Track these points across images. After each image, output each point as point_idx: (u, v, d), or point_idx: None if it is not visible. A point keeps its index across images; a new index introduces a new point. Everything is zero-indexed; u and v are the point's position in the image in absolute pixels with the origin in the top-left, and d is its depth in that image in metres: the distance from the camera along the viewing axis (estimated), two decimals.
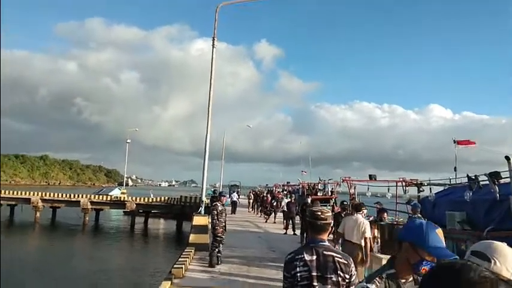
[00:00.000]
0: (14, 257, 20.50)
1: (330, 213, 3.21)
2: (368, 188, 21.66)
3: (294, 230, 17.99)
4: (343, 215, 11.25)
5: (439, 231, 2.01)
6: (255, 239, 16.13)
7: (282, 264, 10.52)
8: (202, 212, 14.70)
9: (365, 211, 8.17)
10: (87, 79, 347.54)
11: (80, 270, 19.75)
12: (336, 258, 2.96)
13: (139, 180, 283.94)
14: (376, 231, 9.38)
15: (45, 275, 18.38)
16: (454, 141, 18.95)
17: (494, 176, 11.62)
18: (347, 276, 2.94)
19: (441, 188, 17.36)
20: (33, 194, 40.74)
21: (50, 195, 41.38)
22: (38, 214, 39.40)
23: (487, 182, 12.50)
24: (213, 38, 14.68)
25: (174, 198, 41.14)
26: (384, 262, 6.91)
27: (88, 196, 41.40)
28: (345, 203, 12.75)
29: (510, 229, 10.88)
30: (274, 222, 22.71)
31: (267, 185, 56.03)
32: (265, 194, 31.20)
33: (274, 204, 24.29)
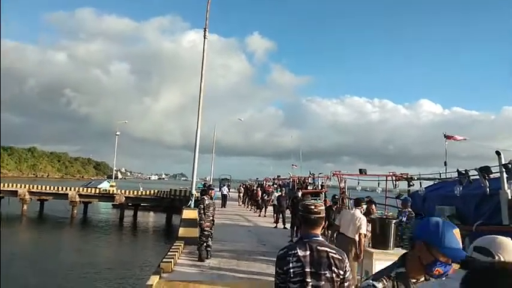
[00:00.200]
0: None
1: (323, 207, 3.10)
2: (358, 182, 21.71)
3: (284, 224, 17.94)
4: (334, 208, 11.21)
5: (457, 232, 1.88)
6: (245, 233, 16.04)
7: (272, 258, 10.36)
8: (192, 205, 14.56)
9: (364, 206, 8.11)
10: (76, 70, 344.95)
11: (67, 263, 19.53)
12: (330, 254, 2.85)
13: (129, 173, 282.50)
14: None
15: (33, 268, 18.13)
16: (445, 136, 19.07)
17: (484, 170, 11.66)
18: (341, 272, 2.83)
19: (431, 183, 17.45)
20: (21, 187, 40.31)
21: (37, 188, 40.99)
22: (25, 207, 39.01)
23: (477, 177, 12.57)
24: (205, 29, 14.48)
25: (164, 192, 40.98)
26: (375, 257, 6.82)
27: (76, 189, 41.08)
28: (336, 197, 12.70)
29: (499, 224, 10.95)
30: (265, 216, 22.66)
31: (257, 178, 55.96)
32: (255, 188, 31.11)
33: (265, 197, 24.22)
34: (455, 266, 1.84)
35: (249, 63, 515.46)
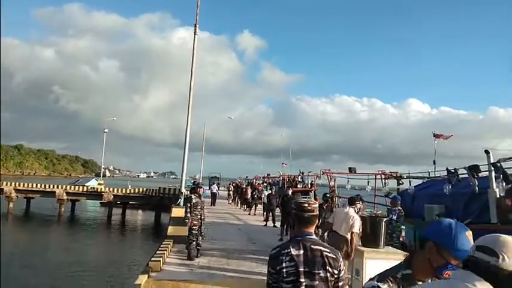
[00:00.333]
0: None
1: (317, 205, 3.04)
2: (348, 181, 21.75)
3: (274, 222, 17.89)
4: (325, 207, 11.17)
5: (469, 234, 1.80)
6: (235, 231, 15.96)
7: (263, 257, 10.29)
8: (182, 203, 14.43)
9: (358, 205, 8.09)
10: (64, 66, 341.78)
11: (55, 262, 19.29)
12: (324, 253, 2.78)
13: (117, 171, 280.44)
14: None
15: (19, 267, 17.84)
16: (434, 135, 19.21)
17: (473, 169, 11.72)
18: (336, 272, 2.77)
19: (420, 181, 17.53)
20: (7, 184, 39.67)
21: (24, 186, 40.41)
22: (11, 205, 38.44)
23: (466, 176, 12.64)
24: (195, 24, 14.30)
25: (153, 190, 40.71)
26: (366, 255, 6.78)
27: (64, 187, 40.59)
28: (328, 195, 12.68)
29: (488, 222, 11.02)
30: (254, 214, 22.61)
31: (247, 177, 55.93)
32: (244, 186, 31.03)
33: (255, 196, 24.16)
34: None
35: (240, 61, 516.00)
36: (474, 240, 1.83)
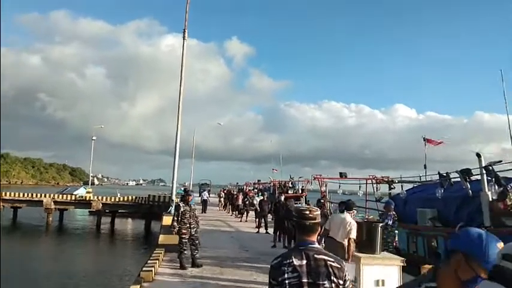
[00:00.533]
0: None
1: (319, 212, 2.91)
2: (339, 186, 21.72)
3: (266, 229, 17.72)
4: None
5: (501, 245, 1.66)
6: (227, 239, 15.76)
7: (256, 265, 10.10)
8: (172, 211, 14.19)
9: (355, 211, 7.98)
10: (51, 74, 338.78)
11: (43, 272, 18.89)
12: (328, 262, 2.65)
13: (106, 179, 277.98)
14: None
15: (6, 278, 17.37)
16: (424, 139, 19.29)
17: (465, 173, 11.77)
18: (341, 282, 2.64)
19: (411, 186, 17.57)
20: None
21: (10, 195, 39.66)
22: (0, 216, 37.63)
23: (458, 179, 12.68)
24: (184, 30, 14.17)
25: (142, 198, 40.31)
26: (363, 261, 6.66)
27: (51, 195, 39.97)
28: (322, 201, 12.59)
29: (481, 225, 11.02)
30: (246, 221, 22.41)
31: (237, 183, 55.73)
32: (235, 193, 30.84)
33: (247, 202, 23.97)
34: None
35: (228, 67, 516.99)
36: None
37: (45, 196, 39.42)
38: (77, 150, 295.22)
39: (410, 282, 1.80)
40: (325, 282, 2.60)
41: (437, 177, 14.46)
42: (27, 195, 39.88)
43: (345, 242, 7.04)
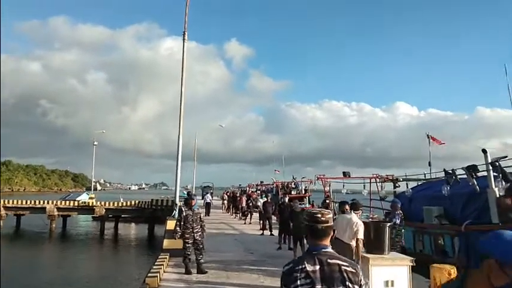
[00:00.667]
0: None
1: (331, 215, 2.77)
2: (343, 185, 21.58)
3: (271, 231, 17.59)
4: None
5: None
6: (232, 242, 15.64)
7: (262, 267, 9.95)
8: (176, 215, 14.08)
9: (360, 211, 7.82)
10: (52, 80, 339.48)
11: (46, 279, 18.73)
12: (342, 267, 2.52)
13: (108, 184, 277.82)
14: None
15: (10, 286, 17.28)
16: (428, 137, 19.13)
17: (472, 169, 11.61)
18: (356, 287, 2.51)
19: (415, 184, 17.41)
20: None
21: (13, 203, 39.58)
22: (0, 223, 37.55)
23: (464, 176, 12.53)
24: (184, 32, 14.04)
25: (145, 202, 40.20)
26: (372, 262, 6.51)
27: (54, 202, 39.87)
28: (327, 201, 12.45)
29: (489, 222, 10.87)
30: (250, 223, 22.26)
31: (240, 185, 55.62)
32: (238, 195, 30.72)
33: (250, 204, 23.83)
34: None
35: (228, 69, 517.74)
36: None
37: (48, 203, 39.31)
38: (79, 156, 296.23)
39: None
40: (340, 287, 2.48)
41: (442, 174, 14.31)
42: (30, 203, 39.75)
43: (352, 243, 6.90)
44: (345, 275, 2.50)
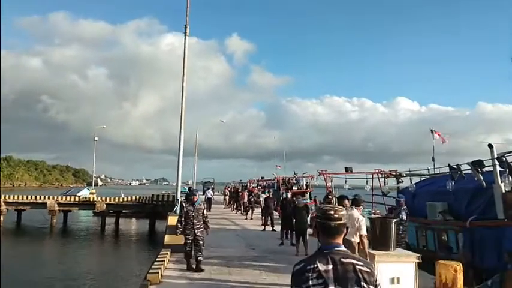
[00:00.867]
0: None
1: (344, 212, 2.60)
2: (346, 181, 21.42)
3: (272, 226, 17.47)
4: None
5: None
6: (233, 237, 15.53)
7: (265, 263, 9.78)
8: (178, 210, 13.95)
9: (361, 207, 7.64)
10: (52, 76, 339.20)
11: (47, 274, 18.67)
12: (357, 267, 2.37)
13: (109, 180, 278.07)
14: None
15: (11, 281, 17.19)
16: (432, 131, 18.90)
17: (477, 164, 11.43)
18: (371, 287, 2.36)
19: (418, 179, 17.22)
20: None
21: (14, 198, 39.55)
22: (1, 218, 37.50)
23: (468, 171, 12.35)
24: (185, 25, 13.82)
25: (146, 197, 40.12)
26: (378, 259, 6.34)
27: (55, 197, 39.80)
28: (329, 197, 12.31)
29: (495, 218, 10.70)
30: (251, 219, 22.15)
31: (240, 180, 55.41)
32: (239, 190, 30.60)
33: (252, 200, 23.72)
34: None
35: (229, 65, 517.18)
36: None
37: (48, 198, 39.24)
38: (80, 152, 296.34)
39: None
40: None
41: (445, 169, 14.13)
42: (31, 198, 39.72)
43: (354, 240, 6.76)
44: (360, 274, 2.35)
